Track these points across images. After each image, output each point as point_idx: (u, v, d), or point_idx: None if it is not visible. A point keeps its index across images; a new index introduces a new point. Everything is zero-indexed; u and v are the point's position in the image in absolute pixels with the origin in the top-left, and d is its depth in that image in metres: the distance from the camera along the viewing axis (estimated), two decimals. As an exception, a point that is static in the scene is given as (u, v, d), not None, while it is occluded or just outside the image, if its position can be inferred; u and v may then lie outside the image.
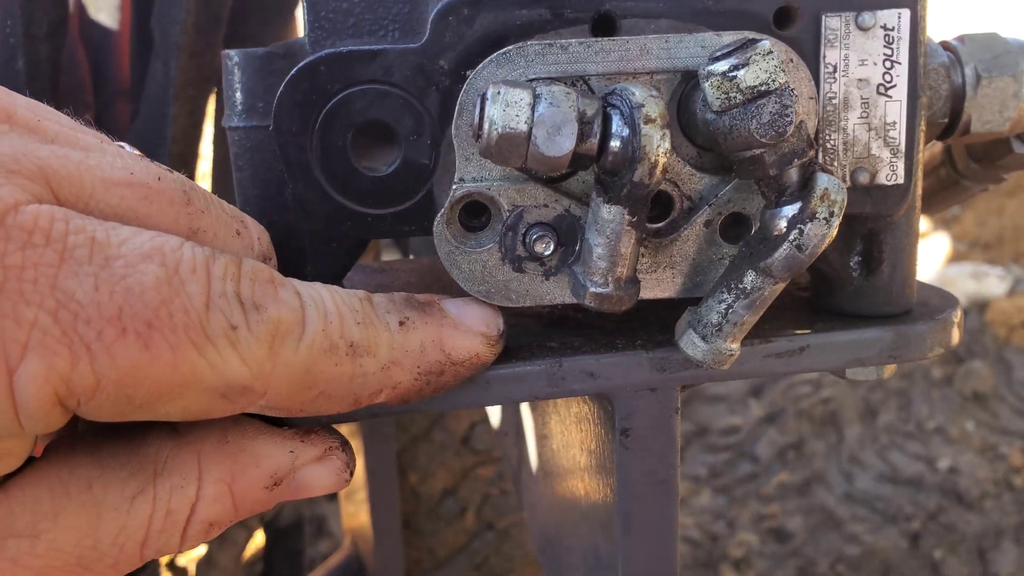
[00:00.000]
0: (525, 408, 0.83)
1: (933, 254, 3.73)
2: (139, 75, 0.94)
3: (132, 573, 1.27)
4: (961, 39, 0.58)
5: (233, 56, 0.54)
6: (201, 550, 2.02)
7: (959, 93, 0.57)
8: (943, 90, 0.57)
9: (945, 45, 0.58)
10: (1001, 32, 0.58)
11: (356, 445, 1.76)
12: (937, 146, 0.73)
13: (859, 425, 3.02)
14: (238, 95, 0.54)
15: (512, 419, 0.92)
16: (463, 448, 1.95)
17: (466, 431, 1.94)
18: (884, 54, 0.50)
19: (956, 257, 3.69)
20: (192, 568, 1.76)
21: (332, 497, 2.40)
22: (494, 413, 1.06)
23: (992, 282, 3.42)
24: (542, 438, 0.77)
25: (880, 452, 2.94)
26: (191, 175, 0.97)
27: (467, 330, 0.48)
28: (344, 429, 1.68)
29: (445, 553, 1.98)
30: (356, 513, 1.88)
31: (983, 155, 0.68)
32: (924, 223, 3.84)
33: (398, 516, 1.78)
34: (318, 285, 0.46)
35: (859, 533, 2.65)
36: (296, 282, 0.45)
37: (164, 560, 2.50)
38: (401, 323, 0.46)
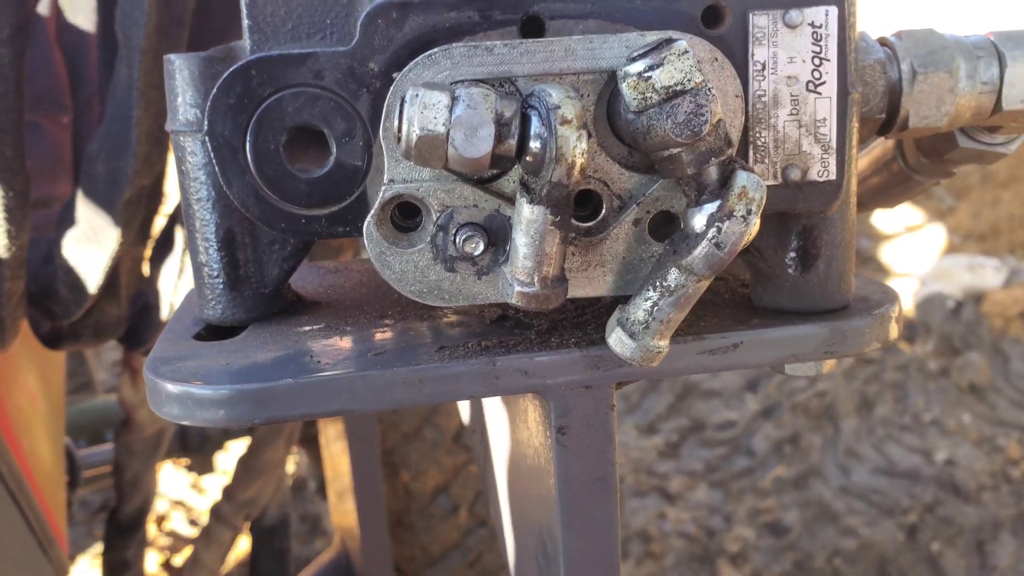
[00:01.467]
0: (487, 407, 0.84)
1: (928, 246, 3.72)
2: (106, 78, 0.95)
3: (117, 571, 1.27)
4: (898, 35, 0.58)
5: (174, 60, 0.54)
6: (187, 550, 2.04)
7: (896, 89, 0.57)
8: (880, 86, 0.57)
9: (882, 41, 0.58)
10: (938, 28, 0.59)
11: (342, 445, 1.77)
12: (889, 141, 0.74)
13: (855, 418, 3.02)
14: (179, 99, 0.54)
15: (479, 417, 0.93)
16: (455, 446, 1.95)
17: (458, 428, 1.94)
18: (813, 51, 0.51)
19: (951, 249, 3.68)
20: (178, 567, 1.77)
21: (325, 496, 2.41)
22: (465, 411, 1.06)
23: (988, 274, 3.41)
24: (500, 436, 0.77)
25: (876, 445, 2.94)
26: (158, 177, 0.98)
27: None
28: (331, 429, 1.68)
29: (438, 550, 1.99)
30: (345, 512, 1.88)
31: (931, 150, 0.68)
32: (919, 215, 3.83)
33: (384, 513, 1.78)
34: None
35: (856, 526, 2.65)
36: None
37: (160, 559, 2.51)
38: None
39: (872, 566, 2.56)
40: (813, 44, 0.51)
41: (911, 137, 0.64)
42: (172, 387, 0.50)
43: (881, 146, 0.74)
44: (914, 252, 3.68)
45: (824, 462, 2.91)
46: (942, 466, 2.81)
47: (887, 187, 0.74)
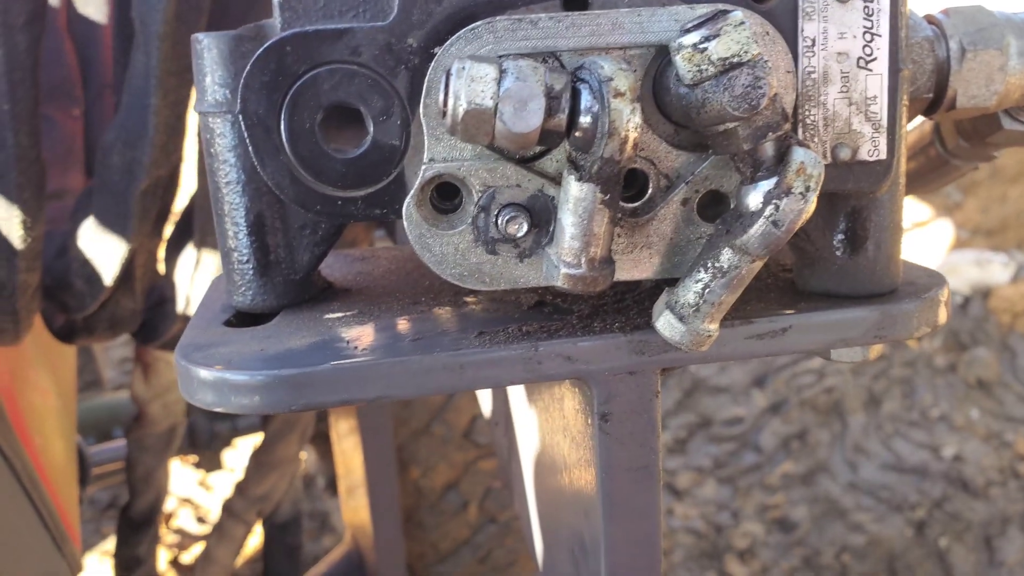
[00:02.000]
0: (514, 397, 0.82)
1: (936, 241, 3.70)
2: (122, 67, 0.93)
3: (130, 567, 1.25)
4: (946, 12, 0.57)
5: (202, 40, 0.53)
6: (199, 547, 2.02)
7: (944, 67, 0.55)
8: (927, 64, 0.55)
9: (929, 19, 0.57)
10: (987, 5, 0.57)
11: (354, 441, 1.76)
12: (926, 126, 0.72)
13: (863, 414, 3.00)
14: (208, 79, 0.53)
15: (502, 409, 0.91)
16: (465, 442, 1.94)
17: (467, 425, 1.93)
18: (864, 27, 0.49)
19: (959, 244, 3.67)
20: (191, 564, 1.76)
21: (334, 493, 2.40)
22: (486, 403, 1.05)
23: (996, 269, 3.40)
24: (529, 427, 0.76)
25: (884, 441, 2.93)
26: (175, 167, 0.96)
27: None
28: (343, 425, 1.67)
29: (448, 547, 1.98)
30: (357, 508, 1.87)
31: (972, 132, 0.66)
32: (927, 210, 3.82)
33: (397, 510, 1.77)
34: None
35: (864, 522, 2.64)
36: None
37: (168, 557, 2.50)
38: None
39: (880, 562, 2.55)
40: (864, 19, 0.49)
41: (958, 117, 0.62)
42: (206, 373, 0.49)
43: (918, 130, 0.73)
44: (922, 247, 3.67)
45: (832, 458, 2.90)
46: (950, 462, 2.80)
47: (923, 172, 0.73)
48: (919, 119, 0.70)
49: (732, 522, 2.71)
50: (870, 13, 0.49)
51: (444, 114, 0.43)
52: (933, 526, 2.61)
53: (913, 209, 3.83)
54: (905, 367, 3.13)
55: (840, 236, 0.53)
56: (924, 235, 3.76)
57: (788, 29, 0.49)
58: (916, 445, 2.89)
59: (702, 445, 3.01)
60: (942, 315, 0.54)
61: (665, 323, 0.47)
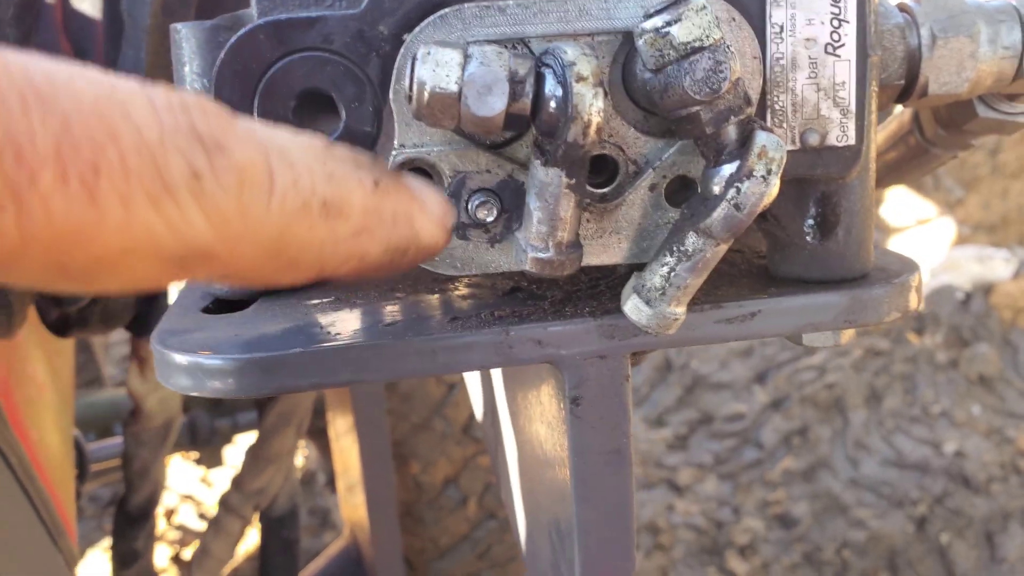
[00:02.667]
0: (498, 387, 0.83)
1: (938, 237, 3.70)
2: (112, 61, 0.94)
3: (127, 561, 1.25)
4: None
5: (180, 30, 0.54)
6: (196, 543, 2.02)
7: (915, 54, 0.56)
8: (898, 51, 0.56)
9: (901, 6, 0.57)
10: (958, -9, 0.57)
11: (352, 438, 1.77)
12: (906, 115, 0.72)
13: (864, 410, 3.00)
14: (186, 69, 0.54)
15: (488, 400, 0.92)
16: (464, 437, 1.95)
17: (467, 420, 1.94)
18: (832, 12, 0.50)
19: (961, 240, 3.66)
20: (188, 560, 1.77)
21: (334, 489, 2.40)
22: (476, 396, 1.05)
23: (997, 265, 3.39)
24: (511, 416, 0.77)
25: (886, 437, 2.92)
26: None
27: (431, 213, 0.42)
28: (340, 422, 1.67)
29: (447, 542, 1.98)
30: (355, 505, 1.88)
31: (949, 120, 0.67)
32: (928, 207, 3.81)
33: (394, 506, 1.78)
34: (270, 127, 0.38)
35: (865, 518, 2.64)
36: (248, 120, 0.37)
37: (170, 553, 2.51)
38: (376, 183, 0.39)
39: (881, 558, 2.55)
40: (832, 5, 0.50)
41: (930, 105, 0.63)
42: (181, 358, 0.49)
43: (897, 120, 0.73)
44: (923, 244, 3.66)
45: (833, 454, 2.90)
46: (951, 458, 2.79)
47: (904, 161, 0.73)
48: (897, 109, 0.70)
49: (733, 518, 2.72)
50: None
51: (410, 99, 0.44)
52: (934, 522, 2.61)
53: (915, 206, 3.83)
54: (906, 363, 3.13)
55: (810, 221, 0.54)
56: (926, 231, 3.76)
57: (756, 15, 0.50)
58: (917, 441, 2.89)
59: (703, 441, 3.01)
60: (913, 300, 0.55)
61: (632, 307, 0.47)
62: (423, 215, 0.41)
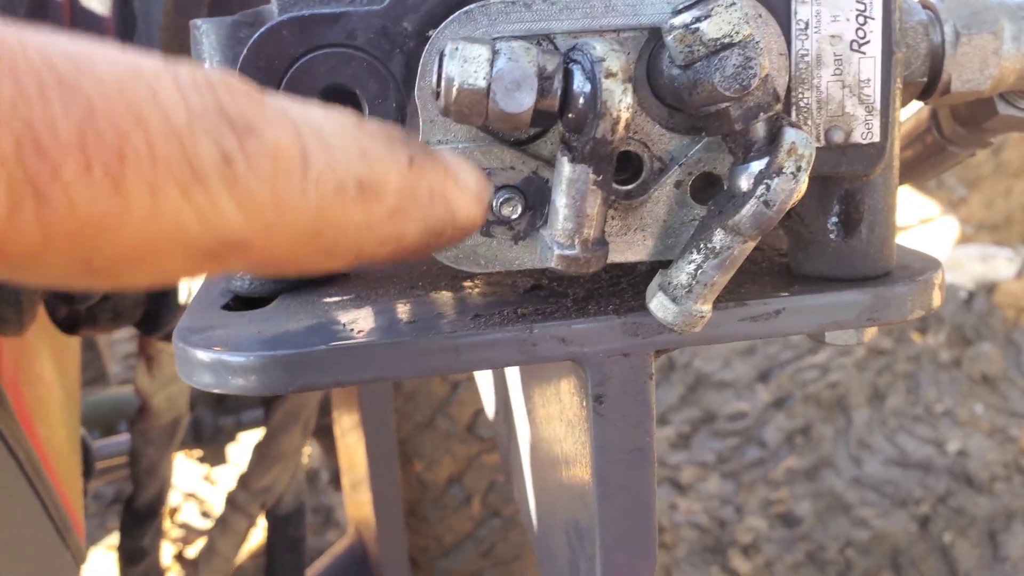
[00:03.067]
0: (512, 385, 0.83)
1: (941, 236, 3.70)
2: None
3: (134, 559, 1.25)
4: (940, -4, 0.57)
5: (200, 26, 0.53)
6: (200, 542, 2.02)
7: (938, 51, 0.56)
8: (921, 48, 0.55)
9: (924, 3, 0.57)
10: (981, -12, 0.57)
11: (357, 435, 1.77)
12: (923, 113, 0.72)
13: (867, 409, 3.00)
14: (206, 65, 0.53)
15: (502, 397, 0.92)
16: (468, 435, 1.95)
17: (471, 418, 1.94)
18: (857, 9, 0.49)
19: (964, 239, 3.66)
20: (195, 558, 1.77)
21: (338, 487, 2.40)
22: (487, 393, 1.05)
23: (1000, 264, 3.39)
24: (527, 414, 0.76)
25: (889, 436, 2.92)
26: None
27: (468, 188, 0.40)
28: (346, 419, 1.67)
29: (452, 540, 1.98)
30: (360, 503, 1.88)
31: (969, 119, 0.66)
32: (932, 206, 3.81)
33: (400, 504, 1.78)
34: (301, 103, 0.36)
35: (868, 517, 2.64)
36: (278, 96, 0.35)
37: (173, 551, 2.50)
38: (410, 160, 0.37)
39: (884, 557, 2.55)
40: (857, 2, 0.49)
41: (952, 103, 0.63)
42: (203, 355, 0.49)
43: (915, 118, 0.73)
44: (927, 243, 3.66)
45: (836, 453, 2.89)
46: (954, 457, 2.79)
47: (921, 159, 0.73)
48: (916, 105, 0.70)
49: (736, 517, 2.72)
50: (863, -4, 0.49)
51: (438, 95, 0.43)
52: (937, 521, 2.61)
53: (918, 205, 3.83)
54: (909, 362, 3.13)
55: (834, 219, 0.54)
56: (929, 231, 3.76)
57: (781, 11, 0.49)
58: (920, 440, 2.89)
59: (706, 440, 3.01)
60: (936, 298, 0.55)
61: (658, 304, 0.47)
62: (459, 191, 0.39)
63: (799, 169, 0.43)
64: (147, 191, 0.29)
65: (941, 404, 2.99)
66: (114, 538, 2.34)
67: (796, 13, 0.49)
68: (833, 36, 0.50)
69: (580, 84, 0.42)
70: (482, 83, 0.42)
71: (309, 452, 2.76)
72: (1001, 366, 3.10)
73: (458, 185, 0.39)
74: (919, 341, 3.20)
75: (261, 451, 1.65)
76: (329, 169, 0.34)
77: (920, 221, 3.79)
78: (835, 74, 0.50)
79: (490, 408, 1.04)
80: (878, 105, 0.51)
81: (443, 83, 0.43)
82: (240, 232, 0.31)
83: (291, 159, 0.32)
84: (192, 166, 0.30)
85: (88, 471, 1.61)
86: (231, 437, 2.00)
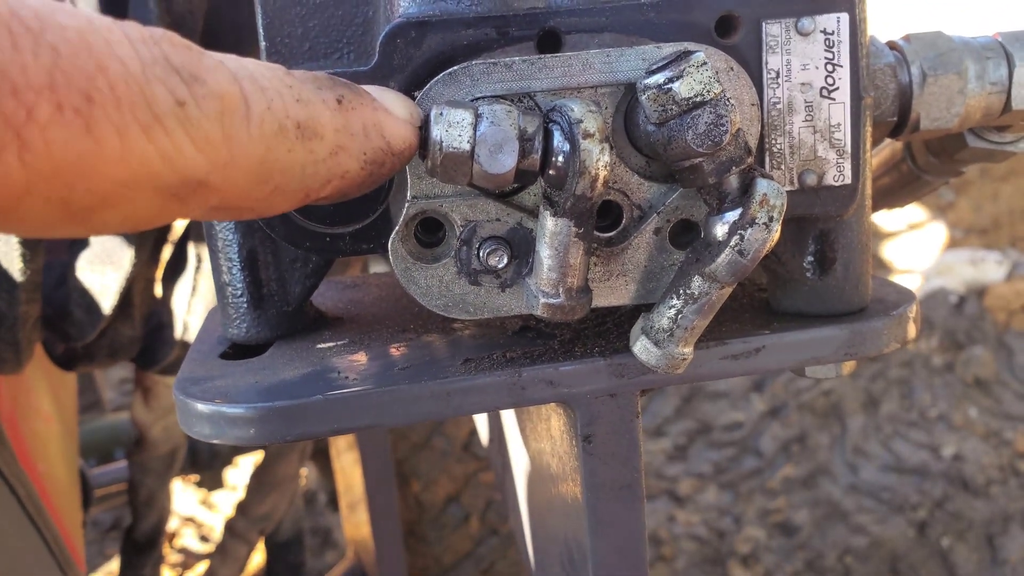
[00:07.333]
0: (506, 416, 0.84)
1: (930, 241, 3.73)
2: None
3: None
4: (907, 38, 0.59)
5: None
6: (203, 566, 2.03)
7: (906, 92, 0.58)
8: (890, 89, 0.57)
9: (891, 45, 0.59)
10: (946, 31, 0.59)
11: (353, 456, 1.78)
12: (898, 144, 0.74)
13: (862, 416, 3.02)
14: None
15: (495, 428, 0.93)
16: (465, 454, 1.95)
17: (467, 437, 1.95)
18: (825, 58, 0.51)
19: (953, 244, 3.69)
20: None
21: (336, 509, 2.41)
22: (481, 421, 1.07)
23: (990, 267, 3.42)
24: (520, 445, 0.78)
25: (884, 442, 2.94)
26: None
27: (398, 116, 0.44)
28: (341, 441, 1.67)
29: (451, 560, 1.99)
30: (358, 524, 1.89)
31: (940, 150, 0.68)
32: (920, 212, 3.84)
33: (398, 524, 1.79)
34: (236, 57, 0.39)
35: (866, 524, 2.65)
36: (213, 52, 0.38)
37: (174, 575, 2.50)
38: (339, 101, 0.41)
39: (883, 563, 2.56)
40: (826, 51, 0.51)
41: (922, 139, 0.65)
42: (202, 407, 0.51)
43: (890, 147, 0.75)
44: (916, 248, 3.69)
45: (832, 460, 2.91)
46: (950, 461, 2.81)
47: (896, 187, 0.75)
48: (887, 140, 0.72)
49: (734, 527, 2.73)
50: (831, 45, 0.51)
51: (424, 157, 0.45)
52: (935, 526, 2.63)
53: (906, 211, 3.85)
54: (902, 368, 3.14)
55: (810, 258, 0.55)
56: (918, 236, 3.78)
57: (753, 62, 0.51)
58: (915, 445, 2.90)
59: (702, 451, 3.02)
60: (911, 331, 0.56)
61: (641, 348, 0.49)
62: (391, 121, 0.43)
63: (771, 219, 0.45)
64: (115, 132, 0.32)
65: (935, 409, 3.01)
66: (113, 564, 2.35)
67: (767, 63, 0.51)
68: (803, 84, 0.52)
69: (559, 144, 0.44)
70: (466, 146, 0.44)
71: (306, 474, 2.77)
72: (993, 369, 3.12)
73: (389, 115, 0.43)
74: (911, 346, 3.22)
75: (259, 478, 1.66)
76: (270, 111, 0.37)
77: (909, 226, 3.82)
78: (806, 120, 0.52)
79: (484, 435, 1.06)
80: (849, 148, 0.53)
81: (429, 146, 0.44)
82: (199, 170, 0.35)
83: (234, 102, 0.36)
84: (151, 108, 0.33)
85: (86, 501, 1.62)
86: (228, 461, 2.00)
